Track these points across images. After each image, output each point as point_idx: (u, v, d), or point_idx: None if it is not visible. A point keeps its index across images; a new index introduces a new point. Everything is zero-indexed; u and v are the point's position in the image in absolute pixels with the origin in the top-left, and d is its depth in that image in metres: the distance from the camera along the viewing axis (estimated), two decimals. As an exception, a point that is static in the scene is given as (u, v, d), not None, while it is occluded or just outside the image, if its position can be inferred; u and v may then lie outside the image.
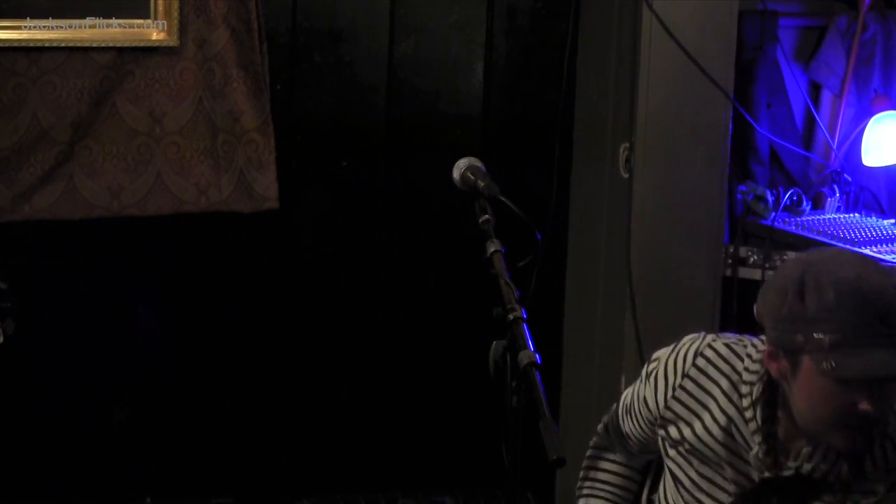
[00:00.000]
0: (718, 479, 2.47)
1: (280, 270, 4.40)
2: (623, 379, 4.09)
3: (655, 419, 2.52)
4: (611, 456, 2.76)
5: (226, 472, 4.43)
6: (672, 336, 4.02)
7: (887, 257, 3.83)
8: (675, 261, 4.06)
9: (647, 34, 3.98)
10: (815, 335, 2.21)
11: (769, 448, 2.38)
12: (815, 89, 4.48)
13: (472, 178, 2.63)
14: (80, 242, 4.20)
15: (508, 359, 2.18)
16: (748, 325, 3.97)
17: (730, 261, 4.09)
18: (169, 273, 4.32)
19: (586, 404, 4.39)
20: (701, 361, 2.47)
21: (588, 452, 2.79)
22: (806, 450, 2.37)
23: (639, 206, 4.05)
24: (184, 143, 4.12)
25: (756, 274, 4.03)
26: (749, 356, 2.43)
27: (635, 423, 2.61)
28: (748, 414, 2.39)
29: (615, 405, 2.71)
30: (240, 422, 4.42)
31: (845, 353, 2.19)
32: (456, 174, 2.68)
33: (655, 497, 2.66)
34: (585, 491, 2.77)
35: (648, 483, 2.74)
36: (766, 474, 2.39)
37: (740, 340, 2.48)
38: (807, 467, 2.37)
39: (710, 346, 2.48)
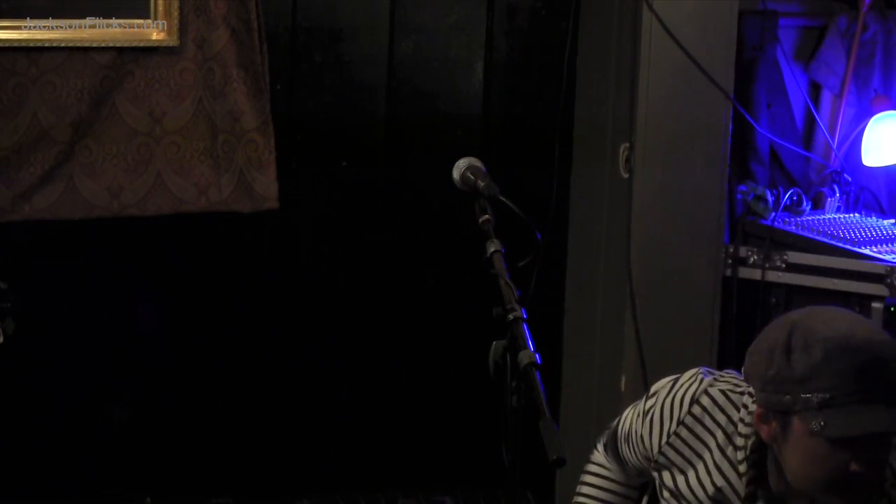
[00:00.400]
0: None
1: (280, 270, 4.40)
2: (623, 379, 4.09)
3: (650, 459, 2.50)
4: (607, 473, 2.73)
5: (226, 471, 4.43)
6: (672, 337, 4.04)
7: (887, 257, 3.83)
8: (675, 261, 4.06)
9: (647, 34, 3.98)
10: (803, 395, 2.17)
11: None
12: (815, 89, 4.48)
13: (472, 178, 2.63)
14: (80, 242, 4.20)
15: (508, 359, 2.18)
16: (748, 326, 3.99)
17: (730, 261, 4.08)
18: (169, 273, 4.32)
19: (586, 404, 4.39)
20: (697, 409, 2.42)
21: (586, 466, 2.77)
22: None
23: (639, 206, 4.05)
24: (184, 143, 4.12)
25: (756, 274, 4.03)
26: (745, 406, 2.37)
27: (633, 453, 2.58)
28: (742, 468, 2.35)
29: (615, 423, 2.68)
30: (240, 421, 4.42)
31: (835, 413, 2.15)
32: (456, 174, 2.67)
33: None
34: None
35: (646, 500, 2.72)
36: None
37: (738, 386, 2.43)
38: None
39: (706, 392, 2.43)
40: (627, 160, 4.08)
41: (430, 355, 4.53)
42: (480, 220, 2.55)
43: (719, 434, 2.40)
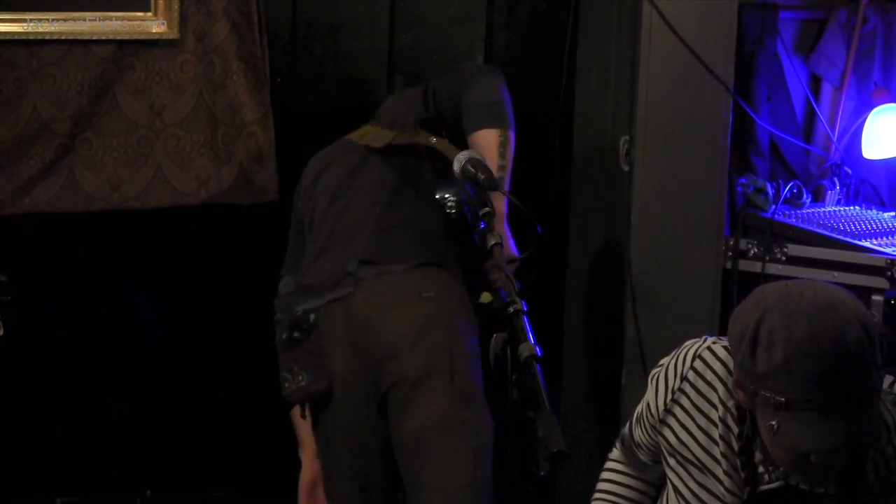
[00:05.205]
0: (717, 490, 2.43)
1: (281, 263, 4.40)
2: (623, 372, 4.09)
3: (656, 423, 2.50)
4: (625, 468, 2.74)
5: (227, 465, 4.43)
6: (672, 329, 4.03)
7: (888, 250, 3.83)
8: (676, 253, 4.06)
9: (648, 27, 3.98)
10: (762, 392, 2.17)
11: (746, 460, 2.35)
12: (816, 82, 4.49)
13: (473, 170, 2.64)
14: (81, 235, 4.20)
15: (509, 352, 2.18)
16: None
17: (730, 253, 4.09)
18: (169, 265, 4.31)
19: (587, 397, 4.39)
20: (699, 364, 2.43)
21: (605, 465, 2.78)
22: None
23: (639, 198, 4.05)
24: (184, 136, 4.12)
25: (756, 266, 4.03)
26: None
27: (644, 430, 2.59)
28: (739, 417, 2.37)
29: (631, 416, 2.70)
30: (241, 414, 4.42)
31: (789, 418, 2.14)
32: (456, 167, 2.68)
33: None
34: (598, 501, 2.75)
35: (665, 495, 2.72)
36: (768, 485, 2.36)
37: None
38: (792, 481, 2.34)
39: (709, 348, 2.44)
40: (628, 153, 4.08)
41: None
42: (481, 213, 2.56)
43: (720, 387, 2.39)
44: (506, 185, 3.16)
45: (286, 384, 3.30)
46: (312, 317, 3.27)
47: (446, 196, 2.91)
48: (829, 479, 2.27)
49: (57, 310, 4.24)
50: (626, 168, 4.08)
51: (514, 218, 2.54)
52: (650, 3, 3.95)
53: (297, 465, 3.68)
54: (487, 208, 2.54)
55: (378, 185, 3.31)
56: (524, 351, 2.13)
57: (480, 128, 3.10)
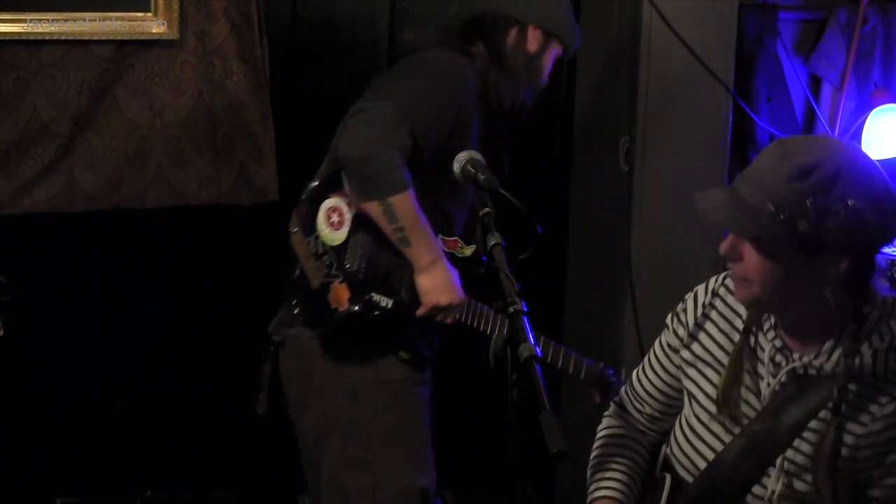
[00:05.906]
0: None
1: (281, 262, 4.40)
2: (623, 372, 4.09)
3: (681, 344, 2.56)
4: (621, 431, 2.77)
5: (227, 465, 4.43)
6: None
7: (888, 250, 3.83)
8: (676, 254, 4.06)
9: (648, 27, 3.99)
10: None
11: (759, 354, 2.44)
12: (816, 82, 4.49)
13: (473, 170, 2.63)
14: (81, 235, 4.20)
15: (509, 352, 2.19)
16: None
17: (730, 254, 4.09)
18: (169, 265, 4.32)
19: (586, 397, 4.39)
20: (730, 282, 2.51)
21: (598, 434, 2.80)
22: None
23: (639, 199, 4.06)
24: (184, 137, 4.12)
25: (756, 267, 4.03)
26: None
27: (658, 367, 2.65)
28: (766, 324, 2.44)
29: (625, 384, 2.77)
30: (241, 415, 4.42)
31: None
32: (456, 167, 2.67)
33: (669, 449, 2.66)
34: (595, 461, 2.77)
35: (660, 458, 2.74)
36: (779, 380, 2.41)
37: None
38: (803, 361, 2.40)
39: None
40: (628, 153, 4.09)
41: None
42: (481, 213, 2.56)
43: None
44: (430, 240, 3.18)
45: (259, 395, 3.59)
46: (277, 344, 3.51)
47: (293, 301, 3.24)
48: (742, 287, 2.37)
49: (57, 310, 4.24)
50: (626, 168, 4.09)
51: (514, 218, 2.55)
52: (650, 3, 3.96)
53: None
54: (487, 209, 2.54)
55: None
56: (524, 351, 2.13)
57: (360, 201, 3.13)
